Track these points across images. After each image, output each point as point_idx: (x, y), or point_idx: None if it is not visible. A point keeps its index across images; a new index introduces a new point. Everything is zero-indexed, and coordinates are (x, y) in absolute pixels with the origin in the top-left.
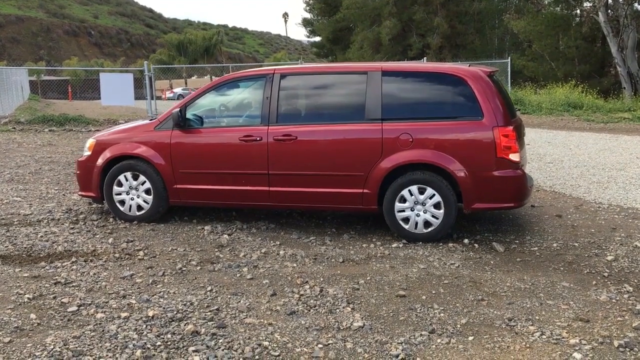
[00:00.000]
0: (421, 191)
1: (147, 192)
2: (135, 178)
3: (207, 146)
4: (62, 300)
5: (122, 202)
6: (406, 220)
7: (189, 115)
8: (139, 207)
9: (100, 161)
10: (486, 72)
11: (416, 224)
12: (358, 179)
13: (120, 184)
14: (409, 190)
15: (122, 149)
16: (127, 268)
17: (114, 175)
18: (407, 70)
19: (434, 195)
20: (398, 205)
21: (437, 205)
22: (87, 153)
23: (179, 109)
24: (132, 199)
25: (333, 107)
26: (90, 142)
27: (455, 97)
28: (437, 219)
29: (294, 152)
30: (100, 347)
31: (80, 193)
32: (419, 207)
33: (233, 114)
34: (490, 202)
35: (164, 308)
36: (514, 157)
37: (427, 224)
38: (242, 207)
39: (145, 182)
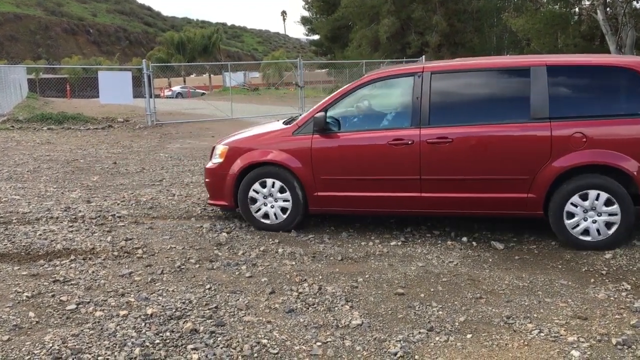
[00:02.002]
0: (595, 195)
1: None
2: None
3: (352, 151)
4: (61, 298)
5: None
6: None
7: (329, 118)
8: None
9: (234, 168)
10: None
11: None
12: (522, 182)
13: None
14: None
15: (259, 155)
16: (126, 266)
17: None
18: (574, 64)
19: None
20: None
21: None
22: (219, 160)
23: (322, 112)
24: (270, 206)
25: (492, 106)
26: (221, 148)
27: (631, 92)
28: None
29: (450, 155)
30: (99, 345)
31: (210, 202)
32: (592, 212)
33: (378, 116)
34: None
35: (162, 306)
36: None
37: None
38: (389, 215)
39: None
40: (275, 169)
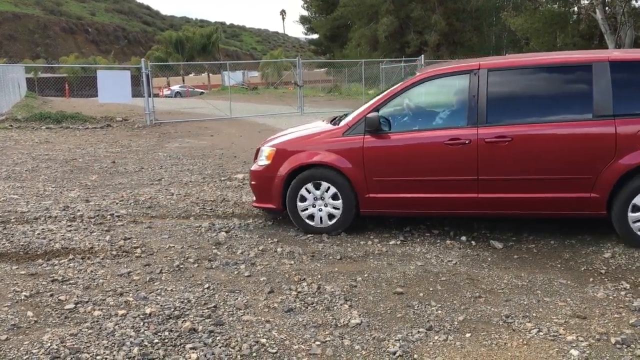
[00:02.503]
0: None
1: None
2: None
3: (406, 151)
4: (59, 297)
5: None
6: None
7: (380, 118)
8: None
9: (282, 171)
10: None
11: None
12: (584, 182)
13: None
14: None
15: (308, 157)
16: (124, 265)
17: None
18: (638, 59)
19: None
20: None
21: None
22: (266, 162)
23: (374, 112)
24: (319, 210)
25: (553, 104)
26: (268, 150)
27: None
28: None
29: (509, 154)
30: (98, 344)
31: (256, 204)
32: None
33: (431, 115)
34: None
35: (161, 305)
36: None
37: None
38: (444, 216)
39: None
40: (326, 170)
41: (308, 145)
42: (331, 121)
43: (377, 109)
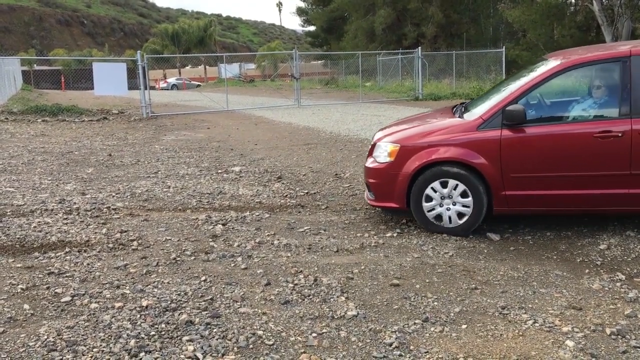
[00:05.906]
0: None
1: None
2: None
3: (549, 145)
4: (56, 290)
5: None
6: None
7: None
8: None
9: (409, 168)
10: None
11: None
12: None
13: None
14: None
15: (438, 153)
16: (121, 258)
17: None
18: None
19: None
20: None
21: None
22: (388, 159)
23: (518, 105)
24: (447, 209)
25: None
26: (391, 147)
27: None
28: None
29: None
30: (94, 337)
31: (374, 203)
32: None
33: (572, 106)
34: None
35: (158, 298)
36: None
37: None
38: (588, 213)
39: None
40: (456, 167)
41: (437, 140)
42: (454, 111)
43: (515, 101)
